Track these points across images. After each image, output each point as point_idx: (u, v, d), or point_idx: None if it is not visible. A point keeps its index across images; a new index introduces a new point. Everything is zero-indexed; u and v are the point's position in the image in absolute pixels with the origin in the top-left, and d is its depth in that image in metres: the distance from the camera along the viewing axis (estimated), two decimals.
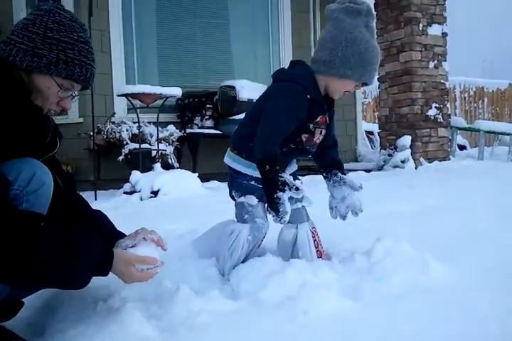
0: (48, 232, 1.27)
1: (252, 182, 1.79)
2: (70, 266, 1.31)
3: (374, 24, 1.74)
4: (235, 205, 1.84)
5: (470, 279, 1.63)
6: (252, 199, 1.78)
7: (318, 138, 1.77)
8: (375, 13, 1.78)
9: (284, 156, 1.69)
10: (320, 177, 1.94)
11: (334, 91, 1.74)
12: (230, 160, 1.83)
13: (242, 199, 1.80)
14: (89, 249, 1.36)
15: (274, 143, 1.61)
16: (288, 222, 1.81)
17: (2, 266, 1.21)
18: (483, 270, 1.71)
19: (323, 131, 1.77)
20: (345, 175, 1.84)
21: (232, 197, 1.85)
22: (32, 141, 1.43)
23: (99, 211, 1.74)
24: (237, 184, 1.82)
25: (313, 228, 1.85)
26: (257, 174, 1.74)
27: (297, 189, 1.54)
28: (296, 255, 1.80)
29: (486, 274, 1.67)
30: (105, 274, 1.42)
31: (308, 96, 1.68)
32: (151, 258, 1.48)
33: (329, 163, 1.86)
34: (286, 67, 1.85)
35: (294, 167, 1.91)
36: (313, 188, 1.92)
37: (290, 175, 1.83)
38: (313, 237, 1.82)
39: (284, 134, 1.65)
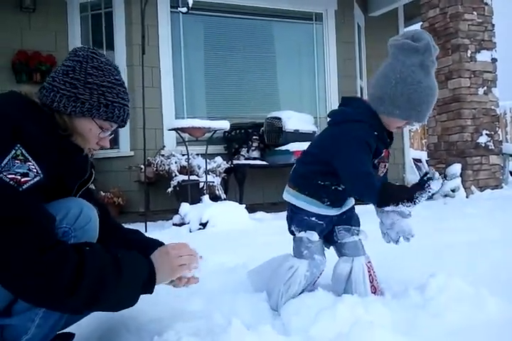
0: (94, 255, 1.31)
1: (313, 219, 1.80)
2: (119, 286, 1.34)
3: (433, 61, 1.68)
4: (294, 240, 1.84)
5: None
6: (313, 236, 1.78)
7: (382, 171, 1.79)
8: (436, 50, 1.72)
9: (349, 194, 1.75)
10: (368, 208, 1.93)
11: (386, 126, 1.76)
12: (291, 197, 1.84)
13: (302, 234, 1.80)
14: (135, 267, 1.40)
15: (369, 174, 1.65)
16: (344, 255, 1.83)
17: (55, 292, 1.24)
18: None
19: (387, 165, 1.79)
20: None
21: (292, 232, 1.85)
22: (74, 180, 1.52)
23: (137, 230, 1.81)
24: (297, 219, 1.82)
25: (368, 262, 1.82)
26: (318, 211, 1.79)
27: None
28: (350, 289, 1.77)
29: None
30: (151, 290, 1.45)
31: (376, 133, 1.70)
32: (184, 244, 1.56)
33: None
34: (342, 106, 1.87)
35: (352, 201, 1.91)
36: (364, 218, 1.93)
37: (349, 209, 1.85)
38: (368, 271, 1.79)
39: (369, 170, 1.67)
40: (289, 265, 1.79)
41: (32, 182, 1.27)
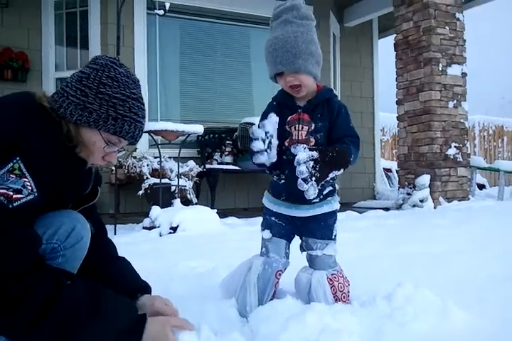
0: (71, 291, 1.20)
1: (273, 218, 1.85)
2: (94, 332, 1.21)
3: (295, 16, 1.73)
4: None
5: (493, 326, 1.61)
6: (265, 233, 1.85)
7: (297, 134, 1.74)
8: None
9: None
10: (343, 216, 1.94)
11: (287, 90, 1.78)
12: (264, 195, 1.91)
13: (261, 232, 1.88)
14: (116, 316, 1.28)
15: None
16: (308, 266, 1.84)
17: (14, 326, 1.15)
18: (507, 317, 1.69)
19: (302, 127, 1.74)
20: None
21: None
22: (72, 195, 1.44)
23: (124, 258, 1.73)
24: (263, 218, 1.90)
25: (332, 274, 1.80)
26: (269, 205, 1.84)
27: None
28: (312, 300, 1.78)
29: (510, 321, 1.65)
30: None
31: (274, 103, 1.81)
32: (187, 322, 1.46)
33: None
34: None
35: (311, 208, 1.81)
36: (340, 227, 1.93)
37: (313, 220, 1.83)
38: (330, 283, 1.78)
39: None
40: (248, 261, 1.86)
41: (24, 200, 1.20)
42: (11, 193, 1.19)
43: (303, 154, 1.56)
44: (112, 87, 1.38)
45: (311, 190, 1.58)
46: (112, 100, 1.37)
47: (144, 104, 1.48)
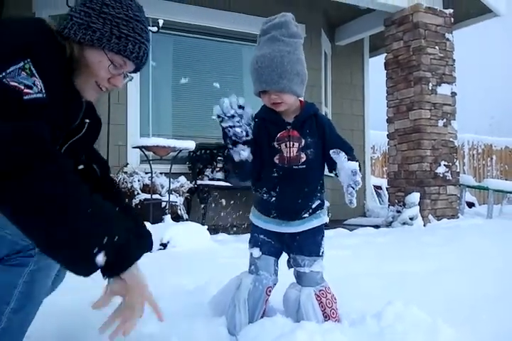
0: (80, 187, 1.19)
1: (262, 236, 1.85)
2: (83, 216, 1.18)
3: (283, 34, 1.74)
4: None
5: None
6: (255, 252, 1.85)
7: (288, 151, 1.75)
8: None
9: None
10: (333, 233, 1.95)
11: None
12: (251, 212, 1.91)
13: (250, 250, 1.87)
14: (112, 217, 1.27)
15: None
16: (296, 282, 1.85)
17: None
18: (496, 336, 1.69)
19: (293, 144, 1.75)
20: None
21: None
22: (64, 126, 1.42)
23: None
24: (251, 235, 1.90)
25: (320, 291, 1.81)
26: (257, 222, 1.85)
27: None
28: (302, 317, 1.77)
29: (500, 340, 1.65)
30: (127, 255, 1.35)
31: (256, 120, 1.76)
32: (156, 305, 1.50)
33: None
34: None
35: (298, 225, 1.83)
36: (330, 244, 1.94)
37: (301, 238, 1.84)
38: (318, 300, 1.78)
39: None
40: (237, 278, 1.86)
41: (34, 96, 1.20)
42: (22, 87, 1.19)
43: (353, 163, 1.57)
44: (115, 8, 1.40)
45: (354, 199, 1.57)
46: (115, 20, 1.39)
47: (147, 29, 1.48)
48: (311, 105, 1.85)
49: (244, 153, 1.63)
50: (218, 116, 1.63)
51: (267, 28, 1.78)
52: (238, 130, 1.63)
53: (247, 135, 1.63)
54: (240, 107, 1.63)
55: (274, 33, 1.74)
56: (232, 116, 1.63)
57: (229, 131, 1.63)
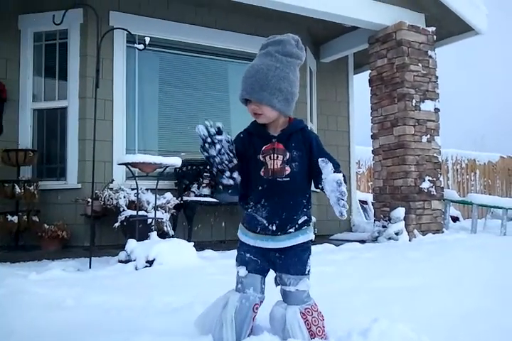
0: None
1: (248, 255, 1.85)
2: None
3: (278, 51, 1.81)
4: None
5: None
6: (241, 271, 1.85)
7: (272, 163, 1.78)
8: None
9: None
10: (319, 248, 1.96)
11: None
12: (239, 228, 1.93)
13: (237, 268, 1.88)
14: None
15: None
16: (282, 300, 1.85)
17: None
18: None
19: (277, 156, 1.78)
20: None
21: None
22: None
23: None
24: (238, 252, 1.90)
25: (306, 309, 1.81)
26: (242, 237, 1.88)
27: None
28: (288, 335, 1.77)
29: None
30: None
31: (242, 135, 1.84)
32: None
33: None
34: None
35: (283, 241, 1.83)
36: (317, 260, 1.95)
37: (286, 257, 1.85)
38: (304, 318, 1.78)
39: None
40: (224, 297, 1.86)
41: None
42: None
43: (339, 175, 1.59)
44: None
45: (344, 210, 1.58)
46: None
47: None
48: (300, 121, 1.90)
49: (231, 180, 1.67)
50: (201, 148, 1.65)
51: (266, 43, 1.87)
52: (222, 158, 1.64)
53: (231, 161, 1.66)
54: (218, 131, 1.63)
55: (271, 48, 1.82)
56: (213, 143, 1.63)
57: (214, 161, 1.65)
